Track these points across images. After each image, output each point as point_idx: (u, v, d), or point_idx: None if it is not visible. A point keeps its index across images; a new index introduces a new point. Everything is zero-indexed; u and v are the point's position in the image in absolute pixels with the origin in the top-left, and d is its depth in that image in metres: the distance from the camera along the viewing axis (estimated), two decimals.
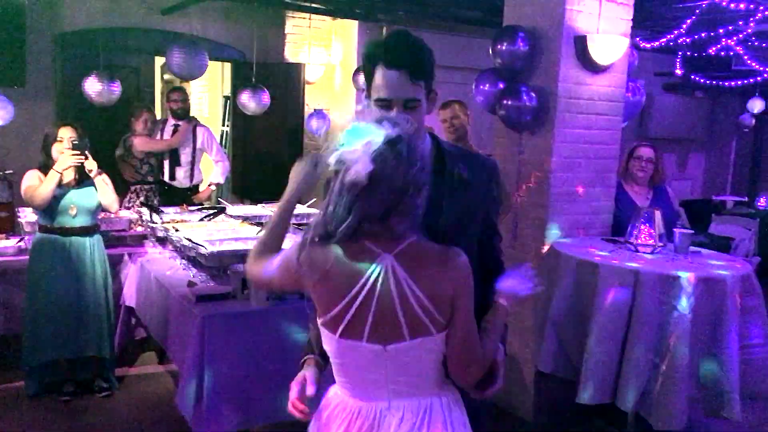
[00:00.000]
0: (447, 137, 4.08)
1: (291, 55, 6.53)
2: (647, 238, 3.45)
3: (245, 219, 4.23)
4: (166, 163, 5.37)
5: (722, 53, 7.69)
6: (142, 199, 5.02)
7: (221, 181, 5.70)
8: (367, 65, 1.63)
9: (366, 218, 1.41)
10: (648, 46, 6.92)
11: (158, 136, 5.36)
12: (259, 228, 3.80)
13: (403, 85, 1.57)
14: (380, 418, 1.50)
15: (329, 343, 1.51)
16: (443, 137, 4.06)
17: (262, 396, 2.90)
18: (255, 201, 5.37)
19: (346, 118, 1.46)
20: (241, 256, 3.23)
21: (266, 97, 5.39)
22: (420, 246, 1.47)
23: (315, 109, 6.14)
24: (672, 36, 6.59)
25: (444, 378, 1.55)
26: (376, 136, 1.38)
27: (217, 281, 3.24)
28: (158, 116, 5.98)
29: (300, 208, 4.89)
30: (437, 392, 1.54)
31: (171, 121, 5.45)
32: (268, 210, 4.70)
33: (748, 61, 7.97)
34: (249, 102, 5.38)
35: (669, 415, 2.93)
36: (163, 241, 3.86)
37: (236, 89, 5.88)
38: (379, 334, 1.44)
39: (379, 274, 1.42)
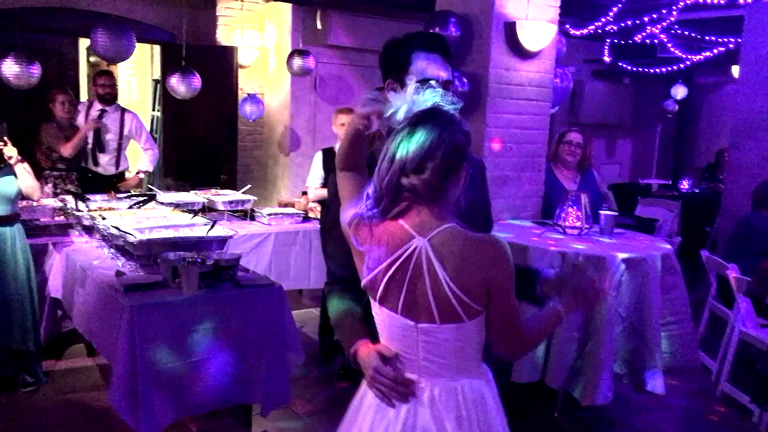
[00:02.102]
0: (381, 126, 4.08)
1: (223, 37, 6.39)
2: (575, 220, 3.56)
3: (177, 206, 4.13)
4: (89, 150, 5.18)
5: (647, 41, 7.96)
6: (51, 186, 4.82)
7: (150, 169, 5.55)
8: (402, 54, 1.79)
9: (411, 170, 1.42)
10: (577, 33, 7.10)
11: (83, 121, 5.16)
12: (192, 214, 3.72)
13: (443, 66, 1.80)
14: (414, 388, 1.53)
15: (373, 306, 1.58)
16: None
17: (197, 385, 2.86)
18: (188, 188, 5.26)
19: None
20: (171, 244, 3.16)
21: (197, 81, 5.26)
22: (456, 233, 1.47)
23: (249, 94, 6.04)
24: (600, 23, 6.78)
25: (479, 361, 1.57)
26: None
27: (146, 270, 3.16)
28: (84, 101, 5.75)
29: (236, 195, 4.83)
30: (469, 376, 1.55)
31: (97, 106, 5.26)
32: (201, 197, 4.61)
33: (672, 49, 8.29)
34: (179, 86, 5.24)
35: (595, 391, 3.05)
36: (89, 230, 3.73)
37: (166, 72, 5.71)
38: (412, 310, 1.48)
39: (411, 255, 1.45)
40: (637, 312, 3.10)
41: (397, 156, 1.44)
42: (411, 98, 1.46)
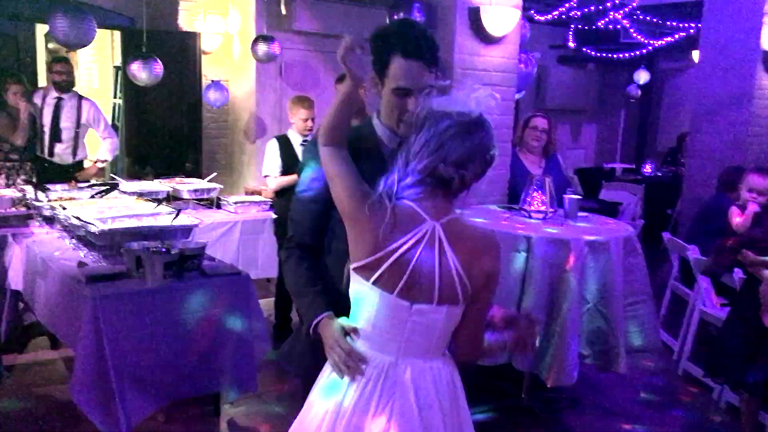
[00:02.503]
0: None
1: (185, 23, 6.27)
2: (540, 204, 3.60)
3: (140, 195, 4.06)
4: (46, 139, 5.06)
5: (610, 26, 8.06)
6: (3, 177, 4.70)
7: (109, 158, 5.43)
8: (381, 53, 1.71)
9: (453, 161, 1.50)
10: (542, 19, 7.15)
11: (39, 108, 5.04)
12: (156, 203, 3.67)
13: (422, 74, 1.68)
14: (389, 368, 1.57)
15: (360, 287, 1.57)
16: None
17: (166, 376, 2.84)
18: (151, 176, 5.17)
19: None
20: (135, 233, 3.12)
21: (159, 68, 5.16)
22: (463, 222, 1.58)
23: (213, 81, 5.95)
24: (563, 9, 6.84)
25: (446, 346, 1.65)
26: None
27: (109, 261, 3.11)
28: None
29: (201, 183, 4.77)
30: (441, 358, 1.63)
31: (53, 94, 5.13)
32: (165, 186, 4.55)
33: (634, 34, 8.41)
34: (140, 72, 5.13)
35: (561, 372, 3.10)
36: (50, 221, 3.65)
37: (127, 59, 5.59)
38: (411, 292, 1.52)
39: (423, 236, 1.51)
40: (601, 293, 3.15)
41: (447, 146, 1.50)
42: (468, 100, 1.52)
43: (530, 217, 3.57)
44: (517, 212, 3.67)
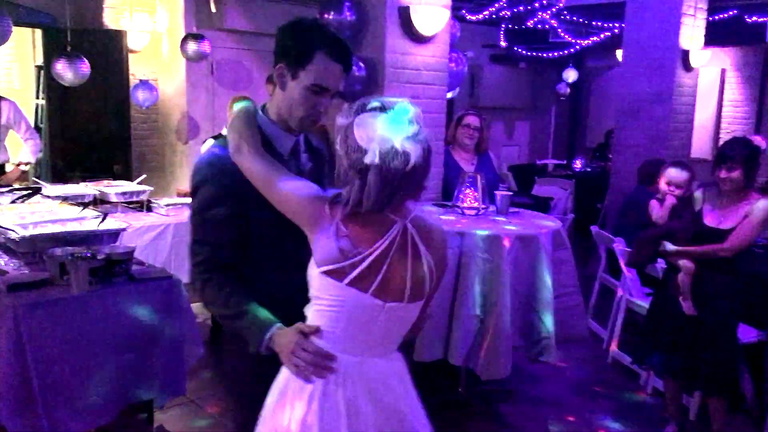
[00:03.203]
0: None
1: (111, 21, 6.08)
2: (472, 201, 3.66)
3: (65, 199, 3.92)
4: None
5: (539, 26, 8.26)
6: None
7: (32, 160, 5.21)
8: (304, 46, 1.67)
9: (412, 191, 1.53)
10: (473, 18, 7.27)
11: None
12: (82, 207, 3.54)
13: (342, 78, 1.71)
14: (354, 369, 1.56)
15: (330, 289, 1.53)
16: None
17: (95, 389, 2.73)
18: (78, 179, 4.99)
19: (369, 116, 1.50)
20: (58, 239, 3.00)
21: (85, 67, 4.99)
22: (423, 219, 1.62)
23: (141, 80, 5.79)
24: (494, 9, 6.97)
25: None
26: (401, 125, 1.48)
27: (32, 268, 2.98)
28: None
29: (130, 186, 4.63)
30: (397, 353, 1.67)
31: None
32: (92, 189, 4.39)
33: (562, 34, 8.65)
34: (65, 72, 4.95)
35: (495, 365, 3.17)
36: None
37: (50, 58, 5.37)
38: (385, 290, 1.53)
39: (396, 237, 1.52)
40: (531, 287, 3.24)
41: (411, 157, 1.47)
42: (381, 136, 1.47)
43: (463, 213, 3.63)
44: (451, 209, 3.73)
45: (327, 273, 1.52)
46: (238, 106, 1.76)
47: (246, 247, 1.71)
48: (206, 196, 1.69)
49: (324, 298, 1.55)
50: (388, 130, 1.46)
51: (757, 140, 3.19)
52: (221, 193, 1.68)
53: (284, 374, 1.60)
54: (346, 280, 1.51)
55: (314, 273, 1.54)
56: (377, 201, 1.49)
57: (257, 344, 1.61)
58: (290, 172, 1.62)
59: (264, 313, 1.64)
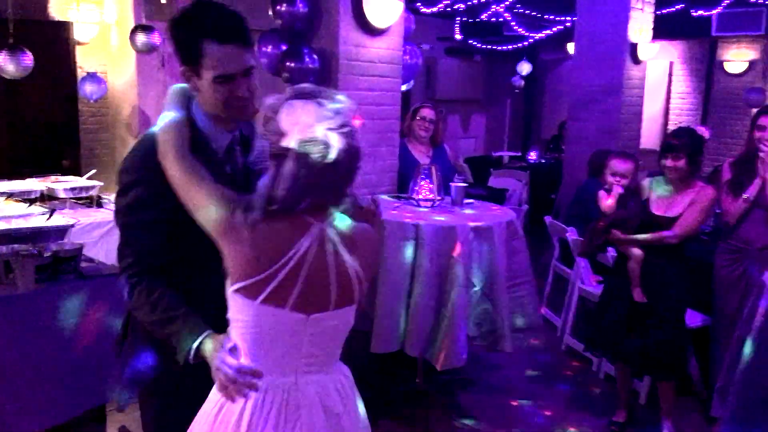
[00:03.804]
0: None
1: (57, 12, 5.90)
2: (428, 193, 3.68)
3: (10, 195, 3.80)
4: None
5: (493, 19, 8.34)
6: None
7: None
8: (191, 42, 1.58)
9: (329, 192, 1.44)
10: (428, 11, 7.29)
11: None
12: (28, 204, 3.44)
13: (242, 55, 1.59)
14: (289, 391, 1.47)
15: (244, 309, 1.42)
16: None
17: (48, 391, 2.66)
18: (24, 175, 4.84)
19: (287, 106, 1.42)
20: (3, 236, 2.91)
21: (28, 59, 4.82)
22: (345, 218, 1.52)
23: (88, 73, 5.64)
24: (448, 1, 7.00)
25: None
26: (328, 114, 1.39)
27: None
28: None
29: (79, 181, 4.51)
30: (338, 364, 1.59)
31: None
32: (39, 185, 4.27)
33: (516, 27, 8.74)
34: (7, 64, 4.78)
35: (450, 354, 3.20)
36: None
37: None
38: (306, 302, 1.42)
39: (312, 242, 1.42)
40: (486, 277, 3.27)
41: (331, 148, 1.38)
42: (304, 122, 1.38)
43: (419, 205, 3.64)
44: (406, 201, 3.74)
45: (239, 291, 1.41)
46: (168, 113, 1.66)
47: (177, 251, 1.63)
48: (137, 197, 1.62)
49: (241, 319, 1.44)
50: (314, 117, 1.38)
51: (701, 130, 3.27)
52: (153, 196, 1.60)
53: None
54: (260, 298, 1.39)
55: (229, 292, 1.44)
56: (288, 196, 1.38)
57: (186, 352, 1.51)
58: (225, 173, 1.51)
59: (194, 319, 1.54)
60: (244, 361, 1.45)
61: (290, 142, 1.37)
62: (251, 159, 1.78)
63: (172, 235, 1.62)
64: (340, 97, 1.44)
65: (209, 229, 1.45)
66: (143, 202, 1.61)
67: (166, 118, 1.64)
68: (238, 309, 1.44)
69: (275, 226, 1.40)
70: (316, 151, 1.36)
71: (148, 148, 1.62)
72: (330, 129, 1.37)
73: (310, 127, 1.37)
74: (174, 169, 1.54)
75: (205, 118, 1.68)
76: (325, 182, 1.40)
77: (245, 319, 1.43)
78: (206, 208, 1.46)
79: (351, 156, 1.42)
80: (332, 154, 1.36)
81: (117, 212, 1.68)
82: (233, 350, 1.46)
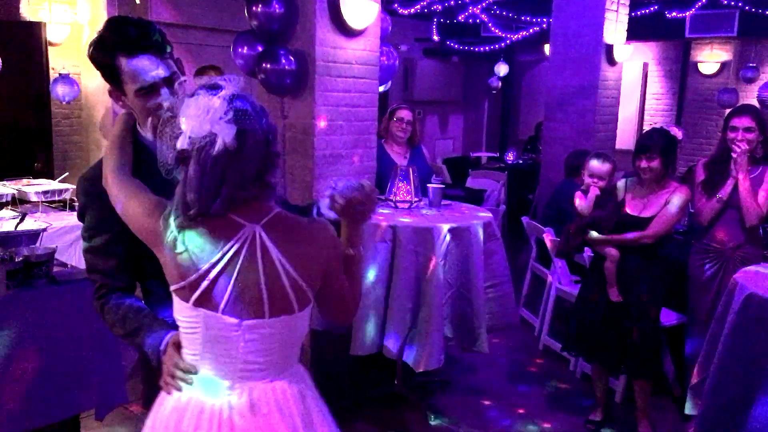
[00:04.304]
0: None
1: (28, 12, 5.80)
2: (405, 194, 3.68)
3: None
4: None
5: (470, 21, 8.37)
6: None
7: None
8: (105, 62, 1.60)
9: (241, 184, 1.35)
10: (405, 12, 7.29)
11: None
12: None
13: (157, 65, 1.59)
14: (222, 399, 1.43)
15: (181, 310, 1.43)
16: None
17: (20, 402, 2.60)
18: None
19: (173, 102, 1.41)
20: None
21: None
22: (287, 218, 1.44)
23: (61, 74, 5.55)
24: (425, 2, 7.01)
25: (297, 360, 1.54)
26: (213, 101, 1.33)
27: None
28: None
29: (52, 185, 4.44)
30: (287, 376, 1.49)
31: None
32: (9, 188, 4.19)
33: (493, 29, 8.78)
34: None
35: (428, 356, 3.19)
36: None
37: None
38: (238, 307, 1.39)
39: (242, 244, 1.37)
40: (463, 278, 3.27)
41: (217, 138, 1.34)
42: (193, 116, 1.33)
43: (396, 207, 3.64)
44: (384, 202, 3.73)
45: (175, 293, 1.42)
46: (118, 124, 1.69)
47: (138, 264, 1.66)
48: (89, 223, 1.66)
49: (180, 320, 1.45)
50: (202, 110, 1.32)
51: (674, 131, 3.32)
52: (101, 221, 1.62)
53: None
54: (192, 300, 1.38)
55: (171, 292, 1.45)
56: (200, 198, 1.33)
57: (155, 356, 1.53)
58: (176, 182, 1.49)
59: (158, 325, 1.57)
60: (184, 357, 1.46)
61: (184, 141, 1.34)
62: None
63: (129, 251, 1.62)
64: (230, 83, 1.37)
65: (143, 238, 1.46)
66: (95, 228, 1.65)
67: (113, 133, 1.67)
68: (177, 309, 1.45)
69: (200, 229, 1.37)
70: (207, 145, 1.31)
71: (97, 174, 1.63)
72: (219, 118, 1.32)
73: (199, 121, 1.32)
74: (110, 187, 1.54)
75: (149, 134, 1.67)
76: (232, 175, 1.34)
77: (183, 319, 1.44)
78: (137, 219, 1.47)
79: (252, 140, 1.34)
80: (219, 145, 1.31)
81: (81, 236, 1.73)
82: (178, 346, 1.48)
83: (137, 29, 1.59)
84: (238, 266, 1.38)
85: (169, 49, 1.64)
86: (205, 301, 1.39)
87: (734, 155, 3.29)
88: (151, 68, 1.58)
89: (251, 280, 1.38)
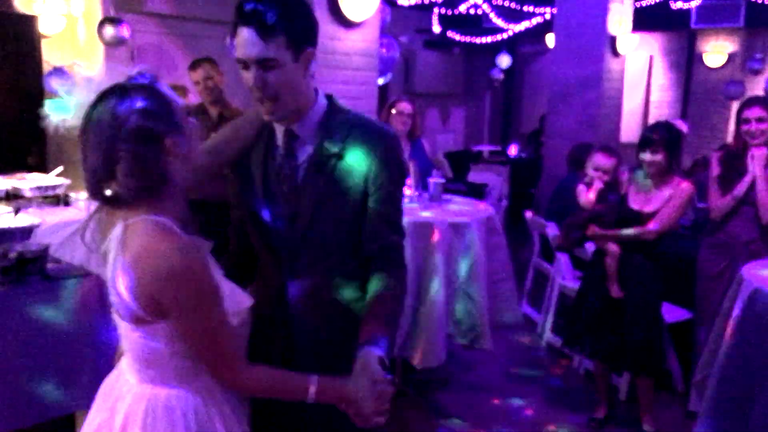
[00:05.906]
0: (203, 100, 3.87)
1: (21, 4, 5.72)
2: (405, 188, 3.61)
3: None
4: None
5: (472, 11, 8.27)
6: None
7: None
8: (234, 25, 1.50)
9: (94, 174, 1.29)
10: (406, 3, 7.19)
11: None
12: None
13: (253, 43, 1.42)
14: (121, 396, 1.44)
15: None
16: (197, 100, 3.86)
17: (12, 402, 2.55)
18: None
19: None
20: None
21: None
22: (152, 228, 1.27)
23: (55, 67, 5.48)
24: None
25: (189, 374, 1.39)
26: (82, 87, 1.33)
27: None
28: None
29: (46, 179, 4.38)
30: (174, 385, 1.38)
31: None
32: (3, 183, 4.13)
33: (495, 20, 8.69)
34: None
35: (430, 353, 3.14)
36: None
37: None
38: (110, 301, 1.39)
39: (111, 238, 1.33)
40: (466, 274, 3.21)
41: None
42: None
43: None
44: None
45: None
46: None
47: None
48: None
49: None
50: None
51: (679, 124, 3.24)
52: None
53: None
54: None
55: None
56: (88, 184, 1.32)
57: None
58: (276, 165, 1.56)
59: None
60: None
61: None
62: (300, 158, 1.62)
63: None
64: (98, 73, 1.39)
65: None
66: None
67: None
68: None
69: (96, 221, 1.37)
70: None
71: None
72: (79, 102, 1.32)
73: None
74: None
75: None
76: (83, 161, 1.32)
77: None
78: None
79: (93, 125, 1.29)
80: (62, 128, 1.35)
81: None
82: None
83: (253, 1, 1.50)
84: (107, 265, 1.35)
85: (285, 33, 1.46)
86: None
87: (751, 151, 3.23)
88: (246, 42, 1.45)
89: (108, 280, 1.37)
